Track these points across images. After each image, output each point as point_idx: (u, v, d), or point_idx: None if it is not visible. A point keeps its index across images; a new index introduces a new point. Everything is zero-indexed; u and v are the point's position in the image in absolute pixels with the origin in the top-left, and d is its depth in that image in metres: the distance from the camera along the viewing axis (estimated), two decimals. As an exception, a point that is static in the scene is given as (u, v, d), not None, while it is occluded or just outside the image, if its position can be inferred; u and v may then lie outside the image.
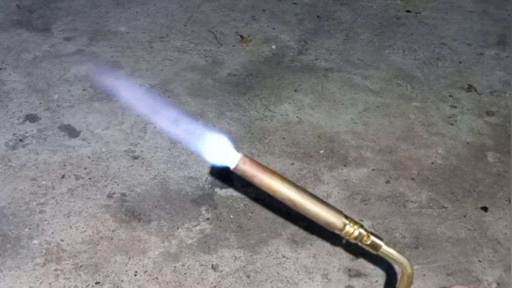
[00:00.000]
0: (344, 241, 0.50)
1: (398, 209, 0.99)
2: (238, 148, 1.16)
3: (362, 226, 0.48)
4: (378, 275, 0.88)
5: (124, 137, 1.10)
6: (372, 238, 0.49)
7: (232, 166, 0.44)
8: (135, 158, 1.06)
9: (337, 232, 0.47)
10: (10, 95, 1.20)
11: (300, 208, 0.46)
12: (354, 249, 0.89)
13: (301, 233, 0.94)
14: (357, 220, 0.46)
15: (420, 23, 1.54)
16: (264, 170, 0.44)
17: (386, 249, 0.50)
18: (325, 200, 0.46)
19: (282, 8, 1.57)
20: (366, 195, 1.01)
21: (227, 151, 0.45)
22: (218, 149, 0.44)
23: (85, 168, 1.03)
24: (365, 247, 0.49)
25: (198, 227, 0.94)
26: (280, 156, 1.08)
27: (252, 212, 0.97)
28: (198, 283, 0.85)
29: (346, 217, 0.47)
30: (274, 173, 0.46)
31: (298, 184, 0.45)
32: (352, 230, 0.48)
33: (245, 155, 0.44)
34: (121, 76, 1.28)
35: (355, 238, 0.47)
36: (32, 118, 1.14)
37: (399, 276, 0.51)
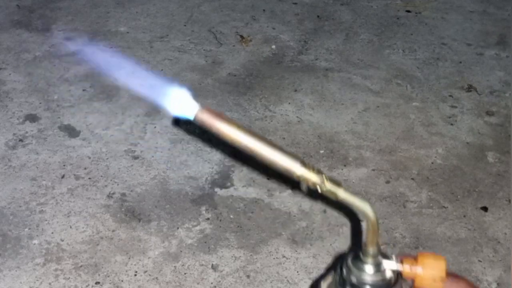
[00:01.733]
0: (304, 188, 0.51)
1: (398, 209, 0.99)
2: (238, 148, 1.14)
3: (320, 172, 0.49)
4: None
5: (124, 137, 1.10)
6: (330, 184, 0.49)
7: (192, 117, 0.46)
8: (135, 158, 1.06)
9: (296, 178, 0.48)
10: (10, 95, 1.20)
11: (258, 155, 0.48)
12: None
13: (300, 233, 0.94)
14: (316, 167, 0.47)
15: (420, 23, 1.54)
16: (222, 119, 0.46)
17: (345, 195, 0.51)
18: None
19: (282, 8, 1.57)
20: (366, 195, 1.01)
21: (188, 103, 0.47)
22: (179, 102, 0.47)
23: (85, 168, 1.03)
24: (324, 193, 0.49)
25: (198, 227, 0.94)
26: (280, 156, 1.07)
27: (252, 212, 0.97)
28: (198, 283, 0.85)
29: (304, 163, 0.48)
30: (232, 122, 0.48)
31: (257, 133, 0.46)
32: (310, 176, 0.49)
33: (204, 106, 0.46)
34: (121, 76, 1.27)
35: (314, 184, 0.48)
36: (32, 118, 1.14)
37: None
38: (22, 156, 1.05)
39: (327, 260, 0.90)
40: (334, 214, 0.97)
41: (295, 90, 1.26)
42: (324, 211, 0.98)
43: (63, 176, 1.01)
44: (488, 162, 1.10)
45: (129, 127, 1.13)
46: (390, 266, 0.54)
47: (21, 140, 1.08)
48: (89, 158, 1.05)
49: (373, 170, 1.06)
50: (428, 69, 1.36)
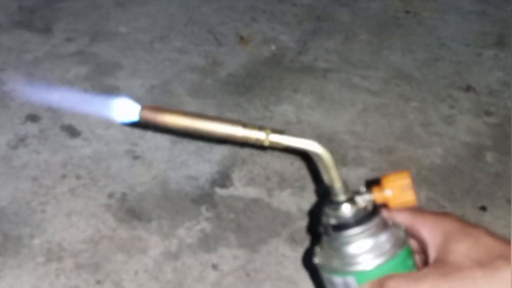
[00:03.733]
0: (250, 143, 0.55)
1: (397, 208, 0.99)
2: (238, 148, 1.16)
3: (263, 128, 0.52)
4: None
5: (124, 137, 1.11)
6: (273, 135, 0.52)
7: (137, 118, 0.52)
8: (136, 158, 1.06)
9: (240, 140, 0.51)
10: (11, 95, 1.20)
11: (202, 131, 0.53)
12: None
13: (300, 232, 0.94)
14: (257, 125, 0.50)
15: (419, 24, 1.54)
16: (162, 111, 0.51)
17: (289, 141, 0.53)
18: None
19: (281, 9, 1.58)
20: (365, 195, 1.02)
21: (129, 107, 0.52)
22: (122, 109, 0.51)
23: (86, 168, 1.03)
24: (270, 146, 0.52)
25: (198, 227, 0.94)
26: (280, 156, 1.08)
27: (252, 212, 0.97)
28: (198, 282, 0.86)
29: (245, 124, 0.51)
30: (171, 111, 0.54)
31: (202, 116, 0.53)
32: (252, 134, 0.52)
33: (145, 105, 0.51)
34: (122, 76, 1.28)
35: (257, 141, 0.51)
36: (33, 118, 1.14)
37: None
38: (23, 156, 1.05)
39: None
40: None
41: (295, 91, 1.27)
42: (324, 211, 0.98)
43: (64, 176, 1.02)
44: (487, 162, 1.11)
45: (130, 127, 1.14)
46: (362, 198, 0.56)
47: (22, 140, 1.09)
48: (90, 158, 1.06)
49: (372, 170, 1.07)
50: (427, 69, 1.36)
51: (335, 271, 0.56)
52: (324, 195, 0.58)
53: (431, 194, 1.02)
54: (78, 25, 1.45)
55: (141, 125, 0.51)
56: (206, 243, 0.92)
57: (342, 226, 0.55)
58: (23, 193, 0.98)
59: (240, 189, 1.01)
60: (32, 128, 1.12)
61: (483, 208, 1.01)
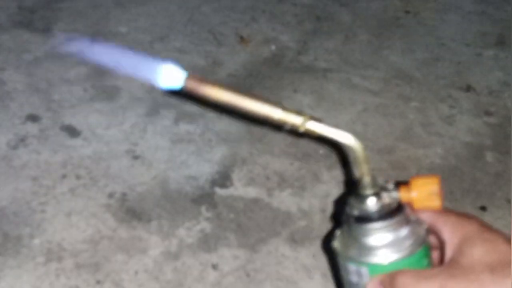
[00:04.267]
0: (286, 128, 0.56)
1: (397, 208, 0.99)
2: (238, 148, 1.16)
3: (300, 113, 0.53)
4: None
5: (125, 137, 1.11)
6: (311, 122, 0.54)
7: (181, 86, 0.52)
8: (136, 157, 1.07)
9: (277, 122, 0.53)
10: (11, 95, 1.20)
11: (242, 108, 0.55)
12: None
13: (300, 232, 0.94)
14: (297, 109, 0.51)
15: (419, 24, 1.54)
16: (207, 83, 0.52)
17: (325, 131, 0.55)
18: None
19: (281, 9, 1.58)
20: (365, 195, 1.02)
21: (175, 74, 0.52)
22: (168, 75, 0.51)
23: (86, 168, 1.04)
24: (306, 132, 0.54)
25: (198, 227, 0.94)
26: (280, 156, 1.08)
27: (251, 212, 0.97)
28: (198, 282, 0.86)
29: (284, 107, 0.53)
30: (215, 84, 0.54)
31: (244, 94, 0.55)
32: (290, 118, 0.53)
33: (190, 74, 0.52)
34: (122, 76, 1.28)
35: (294, 125, 0.53)
36: (33, 118, 1.14)
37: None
38: (23, 156, 1.05)
39: (327, 259, 0.90)
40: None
41: (295, 91, 1.27)
42: (323, 211, 0.98)
43: (64, 176, 1.02)
44: (487, 162, 1.11)
45: (130, 127, 1.14)
46: (388, 195, 0.56)
47: (22, 140, 1.09)
48: (90, 158, 1.06)
49: (372, 170, 1.07)
50: (427, 69, 1.36)
51: (350, 259, 0.57)
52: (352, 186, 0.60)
53: (431, 194, 1.02)
54: (78, 25, 1.45)
55: (183, 93, 0.51)
56: (206, 243, 0.92)
57: (364, 218, 0.56)
58: (23, 193, 0.98)
59: (240, 189, 1.01)
60: (32, 128, 1.12)
61: (483, 208, 1.01)
